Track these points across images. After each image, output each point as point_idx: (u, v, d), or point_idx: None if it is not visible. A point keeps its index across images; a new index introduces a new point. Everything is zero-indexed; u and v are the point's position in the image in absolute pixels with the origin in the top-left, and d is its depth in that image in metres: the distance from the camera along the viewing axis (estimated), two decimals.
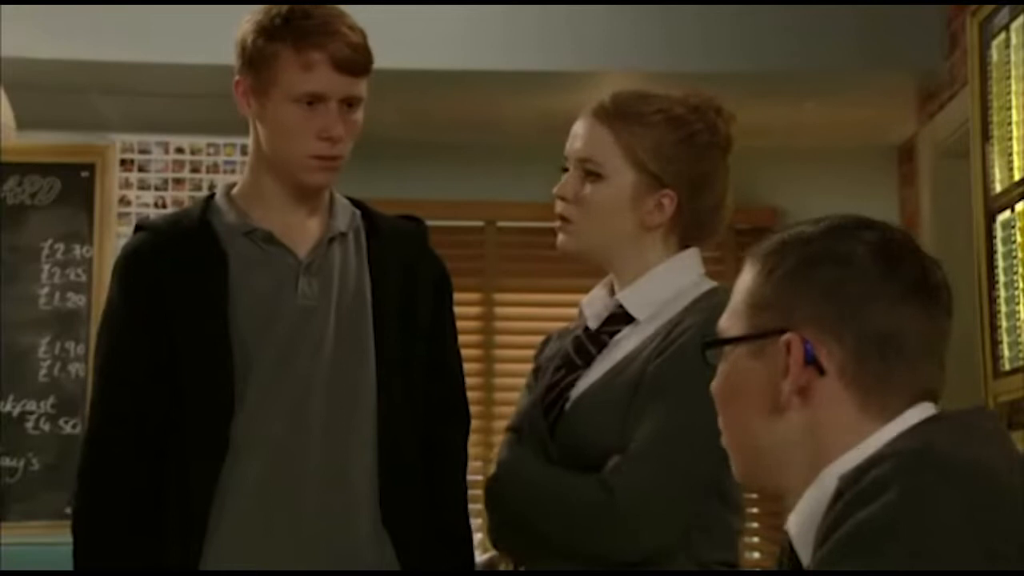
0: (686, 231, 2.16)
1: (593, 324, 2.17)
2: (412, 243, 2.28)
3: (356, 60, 2.15)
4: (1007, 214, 3.28)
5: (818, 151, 5.00)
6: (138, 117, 4.66)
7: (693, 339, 2.02)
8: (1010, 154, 3.28)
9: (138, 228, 2.26)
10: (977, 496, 1.23)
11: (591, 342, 2.16)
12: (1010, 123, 3.29)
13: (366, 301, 2.19)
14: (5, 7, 4.07)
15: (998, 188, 3.33)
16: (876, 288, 1.37)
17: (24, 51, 4.06)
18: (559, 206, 2.16)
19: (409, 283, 2.23)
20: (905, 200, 4.91)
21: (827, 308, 1.37)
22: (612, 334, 2.15)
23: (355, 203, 2.30)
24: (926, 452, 1.28)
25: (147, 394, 2.11)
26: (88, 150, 4.71)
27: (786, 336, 1.37)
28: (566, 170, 2.17)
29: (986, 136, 3.40)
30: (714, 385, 1.46)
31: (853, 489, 1.27)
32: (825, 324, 1.36)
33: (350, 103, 2.17)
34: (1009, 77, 3.30)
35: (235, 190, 2.26)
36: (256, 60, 2.16)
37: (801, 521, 1.36)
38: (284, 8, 2.16)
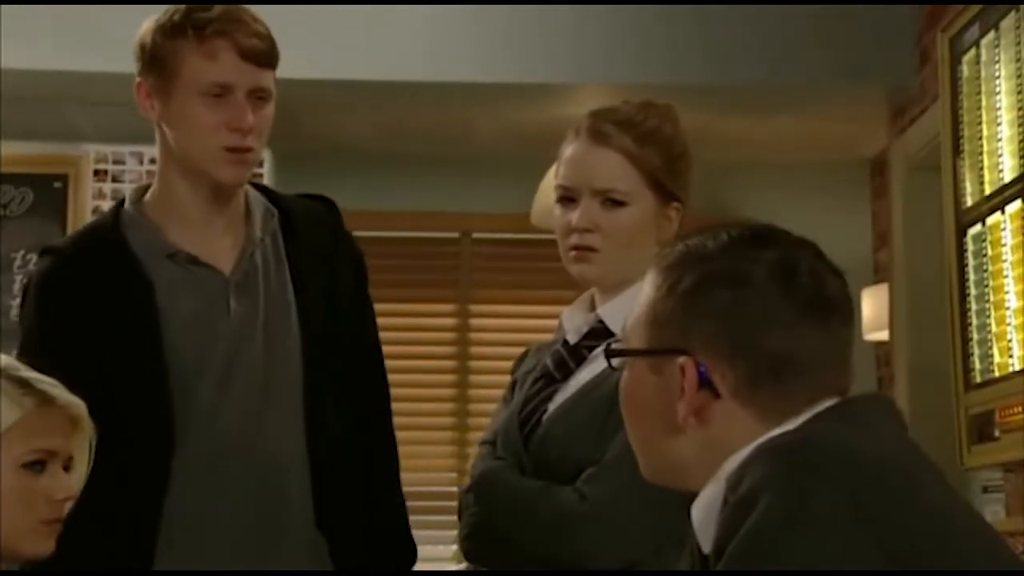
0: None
1: (572, 338, 2.18)
2: (327, 232, 2.23)
3: (262, 49, 2.09)
4: (978, 228, 3.30)
5: (790, 164, 5.02)
6: (112, 127, 4.63)
7: None
8: (981, 168, 3.30)
9: (44, 252, 2.16)
10: (859, 491, 1.23)
11: (570, 356, 2.16)
12: (980, 138, 3.32)
13: (291, 310, 2.16)
14: None
15: (969, 202, 3.35)
16: (772, 311, 1.36)
17: None
18: (582, 238, 2.12)
19: (331, 279, 2.19)
20: (877, 213, 4.93)
21: (721, 332, 1.36)
22: (591, 348, 2.15)
23: (262, 190, 2.24)
24: (801, 448, 1.29)
25: None
26: (61, 160, 4.70)
27: (681, 359, 1.36)
28: (569, 200, 2.14)
29: (957, 150, 3.43)
30: (620, 389, 1.46)
31: (736, 493, 1.27)
32: (719, 348, 1.36)
33: (260, 96, 2.11)
34: (979, 92, 3.33)
35: (147, 198, 2.18)
36: (157, 58, 2.10)
37: (703, 505, 1.36)
38: (183, 6, 2.10)
